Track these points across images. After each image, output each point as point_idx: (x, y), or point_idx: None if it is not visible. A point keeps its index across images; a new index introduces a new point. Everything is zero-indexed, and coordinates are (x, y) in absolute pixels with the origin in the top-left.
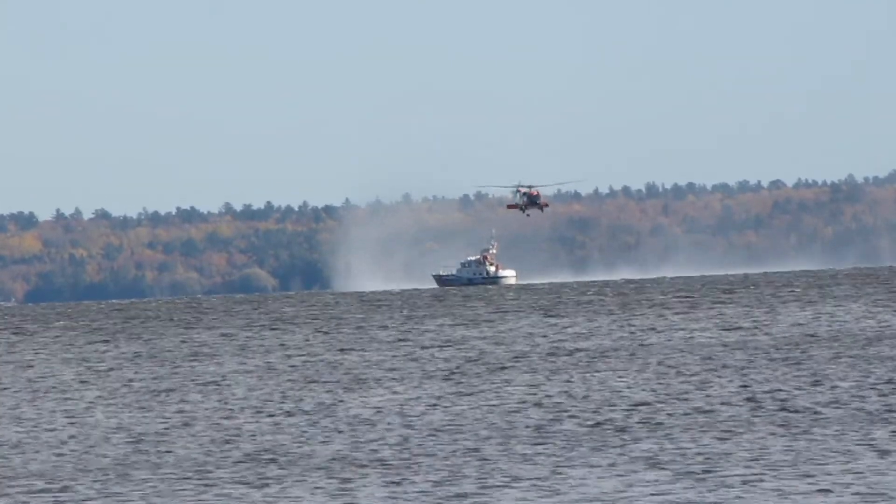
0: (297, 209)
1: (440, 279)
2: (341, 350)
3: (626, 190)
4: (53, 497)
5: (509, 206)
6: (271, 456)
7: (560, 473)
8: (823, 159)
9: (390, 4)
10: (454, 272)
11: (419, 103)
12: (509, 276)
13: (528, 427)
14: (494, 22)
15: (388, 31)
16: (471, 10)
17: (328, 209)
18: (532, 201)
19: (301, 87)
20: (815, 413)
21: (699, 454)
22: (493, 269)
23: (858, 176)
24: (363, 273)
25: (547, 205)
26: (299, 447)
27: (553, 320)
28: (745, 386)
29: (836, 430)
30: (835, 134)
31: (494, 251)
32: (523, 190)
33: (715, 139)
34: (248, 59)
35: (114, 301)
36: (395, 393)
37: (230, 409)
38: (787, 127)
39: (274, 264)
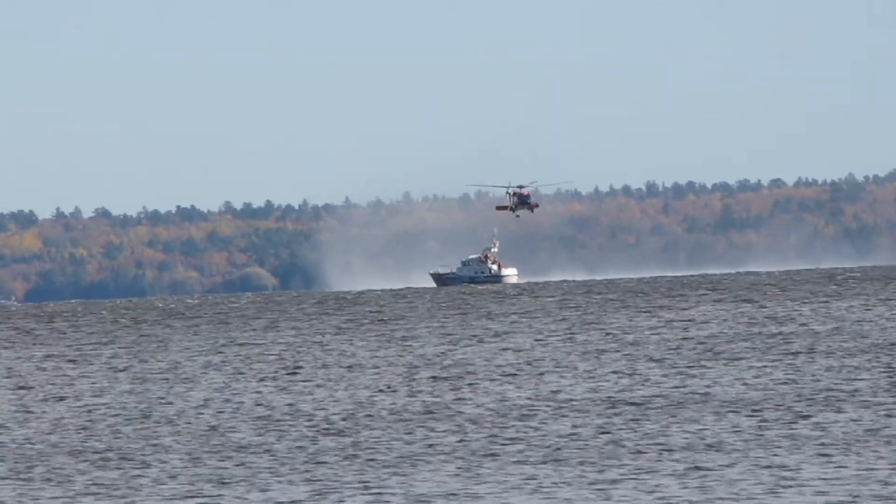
0: (297, 208)
1: (439, 278)
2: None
3: (626, 189)
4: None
5: (498, 208)
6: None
7: None
8: (824, 158)
9: (387, 4)
10: (454, 271)
11: (419, 102)
12: (511, 274)
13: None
14: (492, 20)
15: (387, 30)
16: (467, 9)
17: (328, 208)
18: (522, 201)
19: (301, 86)
20: None
21: None
22: (494, 267)
23: (859, 175)
24: (363, 272)
25: (537, 205)
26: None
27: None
28: None
29: None
30: (835, 133)
31: (496, 250)
32: (513, 190)
33: (715, 138)
34: (247, 58)
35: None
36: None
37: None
38: (787, 126)
39: (274, 263)
